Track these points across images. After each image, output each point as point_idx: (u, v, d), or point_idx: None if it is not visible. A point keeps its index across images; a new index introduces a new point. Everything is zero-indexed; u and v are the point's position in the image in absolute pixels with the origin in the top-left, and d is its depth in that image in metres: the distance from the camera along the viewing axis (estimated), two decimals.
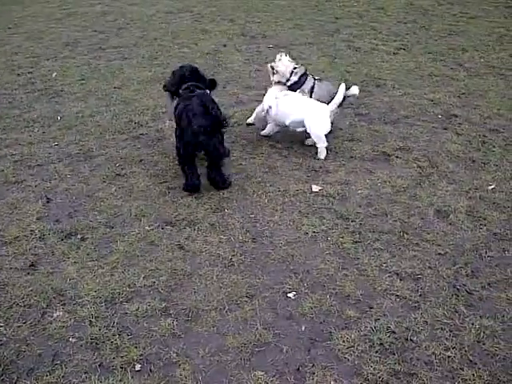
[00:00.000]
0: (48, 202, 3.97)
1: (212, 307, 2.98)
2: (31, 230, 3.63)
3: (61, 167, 4.44)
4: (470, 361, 2.66)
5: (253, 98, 5.71)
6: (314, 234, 3.59)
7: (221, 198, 3.98)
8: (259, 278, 3.20)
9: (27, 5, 10.85)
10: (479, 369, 2.61)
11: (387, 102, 5.67)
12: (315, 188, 4.11)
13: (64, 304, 3.02)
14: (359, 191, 4.07)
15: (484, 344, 2.75)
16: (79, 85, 6.22)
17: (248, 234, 3.60)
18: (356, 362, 2.65)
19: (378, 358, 2.67)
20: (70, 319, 2.91)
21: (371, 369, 2.61)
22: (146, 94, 5.91)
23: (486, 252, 3.42)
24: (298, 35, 7.99)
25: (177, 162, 4.44)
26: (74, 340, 2.79)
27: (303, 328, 2.86)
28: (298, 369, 2.62)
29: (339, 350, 2.72)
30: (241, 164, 4.45)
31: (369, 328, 2.84)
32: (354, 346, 2.74)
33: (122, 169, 4.40)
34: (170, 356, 2.69)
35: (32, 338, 2.80)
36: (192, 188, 4.02)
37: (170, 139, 4.86)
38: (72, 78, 6.45)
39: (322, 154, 4.53)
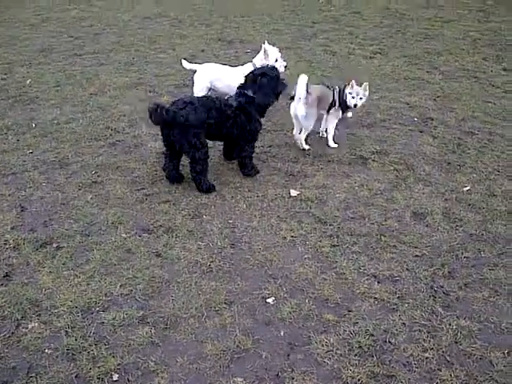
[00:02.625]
0: (22, 210, 3.90)
1: (190, 314, 2.96)
2: (5, 240, 3.56)
3: (36, 175, 4.37)
4: (448, 361, 2.68)
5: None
6: (292, 239, 3.60)
7: (199, 204, 3.96)
8: (238, 284, 3.19)
9: (1, 11, 10.71)
10: (456, 369, 2.63)
11: (364, 105, 5.70)
12: (293, 192, 4.12)
13: (39, 315, 2.96)
14: (337, 195, 4.09)
15: (461, 344, 2.78)
16: (54, 91, 6.14)
17: (226, 239, 3.59)
18: (335, 366, 2.66)
19: (356, 361, 2.68)
20: (46, 330, 2.86)
21: (350, 372, 2.61)
22: (122, 100, 5.86)
23: (462, 253, 3.46)
24: (275, 40, 8.00)
25: (154, 168, 4.45)
26: (49, 351, 2.74)
27: (282, 333, 2.85)
28: (278, 374, 2.62)
29: (318, 354, 2.72)
30: (218, 169, 4.44)
31: (348, 331, 2.85)
32: (332, 350, 2.74)
33: (98, 176, 4.35)
34: (148, 365, 2.66)
35: (6, 350, 2.74)
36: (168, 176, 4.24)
37: (148, 145, 4.84)
38: (47, 84, 6.37)
39: None
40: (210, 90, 5.43)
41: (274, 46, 5.31)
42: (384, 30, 8.76)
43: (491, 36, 8.39)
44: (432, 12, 9.90)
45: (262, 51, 5.21)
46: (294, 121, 4.75)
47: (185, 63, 5.54)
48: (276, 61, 5.18)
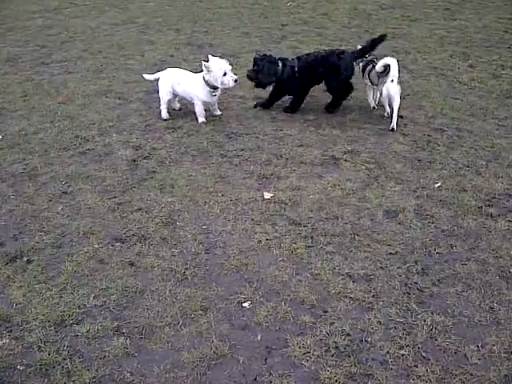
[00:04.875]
0: None
1: (166, 323, 2.93)
2: None
3: (4, 188, 4.28)
4: (424, 357, 2.70)
5: None
6: (267, 242, 3.59)
7: (172, 211, 3.93)
8: (213, 290, 3.17)
9: None
10: (432, 364, 2.65)
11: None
12: (267, 195, 4.11)
13: (11, 331, 2.90)
14: (310, 196, 4.10)
15: (436, 340, 2.80)
16: (22, 102, 6.03)
17: (201, 245, 3.56)
18: (313, 368, 2.66)
19: (334, 362, 2.68)
20: (18, 346, 2.80)
21: (328, 373, 2.61)
22: (91, 108, 5.78)
23: (434, 249, 3.50)
24: (244, 43, 8.03)
25: (125, 176, 4.40)
26: (22, 368, 2.68)
27: (259, 337, 2.84)
28: (256, 379, 2.60)
29: (295, 356, 2.72)
30: (191, 175, 4.41)
31: (324, 332, 2.85)
32: (310, 352, 2.74)
33: (68, 186, 4.28)
34: (124, 376, 2.63)
35: None
36: None
37: (118, 153, 4.78)
38: (14, 94, 6.25)
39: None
40: (174, 94, 5.42)
41: (223, 58, 5.16)
42: (352, 30, 8.83)
43: (457, 34, 8.53)
44: (399, 12, 10.02)
45: (203, 67, 5.03)
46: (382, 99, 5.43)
47: (146, 76, 5.57)
48: (225, 74, 5.02)
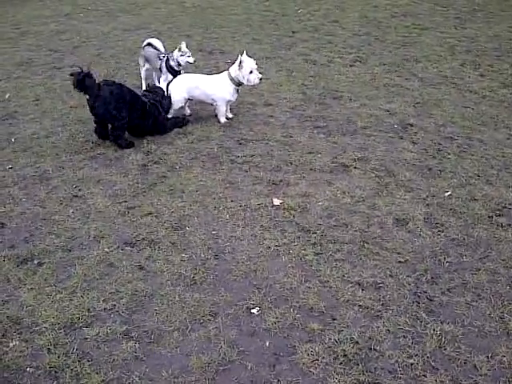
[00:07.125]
0: (2, 227, 3.85)
1: (175, 327, 2.94)
2: None
3: (16, 190, 4.32)
4: (433, 367, 2.69)
5: (212, 113, 5.68)
6: (276, 248, 3.59)
7: (181, 216, 3.94)
8: (222, 296, 3.17)
9: None
10: (441, 374, 2.64)
11: (345, 113, 5.76)
12: (276, 201, 4.12)
13: (21, 333, 2.92)
14: (319, 203, 4.10)
15: (445, 349, 2.79)
16: (34, 105, 6.09)
17: (210, 251, 3.57)
18: (321, 375, 2.65)
19: (342, 370, 2.67)
20: (28, 348, 2.82)
21: (336, 381, 2.61)
22: None
23: (444, 258, 3.49)
24: (255, 50, 8.04)
25: (136, 181, 4.42)
26: (31, 370, 2.69)
27: (267, 343, 2.84)
28: None
29: (304, 363, 2.71)
30: (201, 180, 4.43)
31: (333, 340, 2.85)
32: (318, 359, 2.73)
33: (79, 190, 4.31)
34: (133, 380, 2.63)
35: None
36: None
37: (129, 158, 4.81)
38: (26, 98, 6.31)
39: None
40: (187, 100, 5.46)
41: (251, 57, 5.33)
42: (363, 38, 8.85)
43: (468, 42, 8.52)
44: (410, 20, 10.02)
45: (237, 61, 5.23)
46: None
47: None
48: (251, 72, 5.22)
